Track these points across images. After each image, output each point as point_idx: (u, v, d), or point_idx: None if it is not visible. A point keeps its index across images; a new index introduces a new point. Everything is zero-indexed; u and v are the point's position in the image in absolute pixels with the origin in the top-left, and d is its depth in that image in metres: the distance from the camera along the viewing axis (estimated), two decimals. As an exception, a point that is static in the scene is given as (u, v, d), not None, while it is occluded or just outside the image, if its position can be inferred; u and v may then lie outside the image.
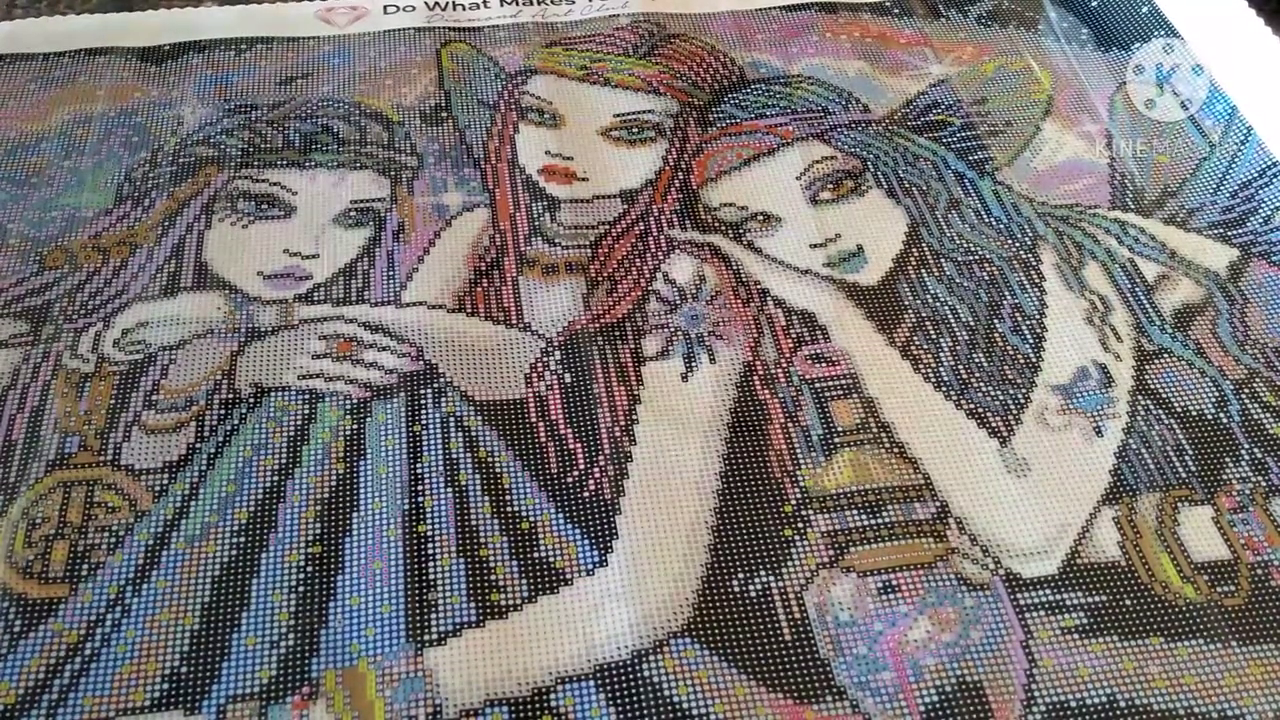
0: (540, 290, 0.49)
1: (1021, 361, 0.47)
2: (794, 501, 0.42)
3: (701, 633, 0.38)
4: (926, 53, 0.62)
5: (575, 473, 0.43)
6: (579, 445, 0.43)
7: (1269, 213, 0.53)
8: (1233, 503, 0.42)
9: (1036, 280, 0.50)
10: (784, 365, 0.46)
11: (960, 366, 0.47)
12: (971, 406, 0.45)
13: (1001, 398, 0.45)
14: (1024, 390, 0.46)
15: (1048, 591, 0.40)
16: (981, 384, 0.46)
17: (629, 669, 0.37)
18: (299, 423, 0.44)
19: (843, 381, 0.46)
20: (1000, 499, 0.42)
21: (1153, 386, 0.46)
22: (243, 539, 0.40)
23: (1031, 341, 0.48)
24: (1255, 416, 0.45)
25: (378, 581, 0.39)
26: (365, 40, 0.61)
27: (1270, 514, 0.42)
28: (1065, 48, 0.62)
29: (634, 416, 0.44)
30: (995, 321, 0.48)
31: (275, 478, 0.42)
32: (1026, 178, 0.55)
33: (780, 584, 0.40)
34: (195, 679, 0.37)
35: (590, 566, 0.40)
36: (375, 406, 0.44)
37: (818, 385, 0.46)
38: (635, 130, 0.56)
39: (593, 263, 0.50)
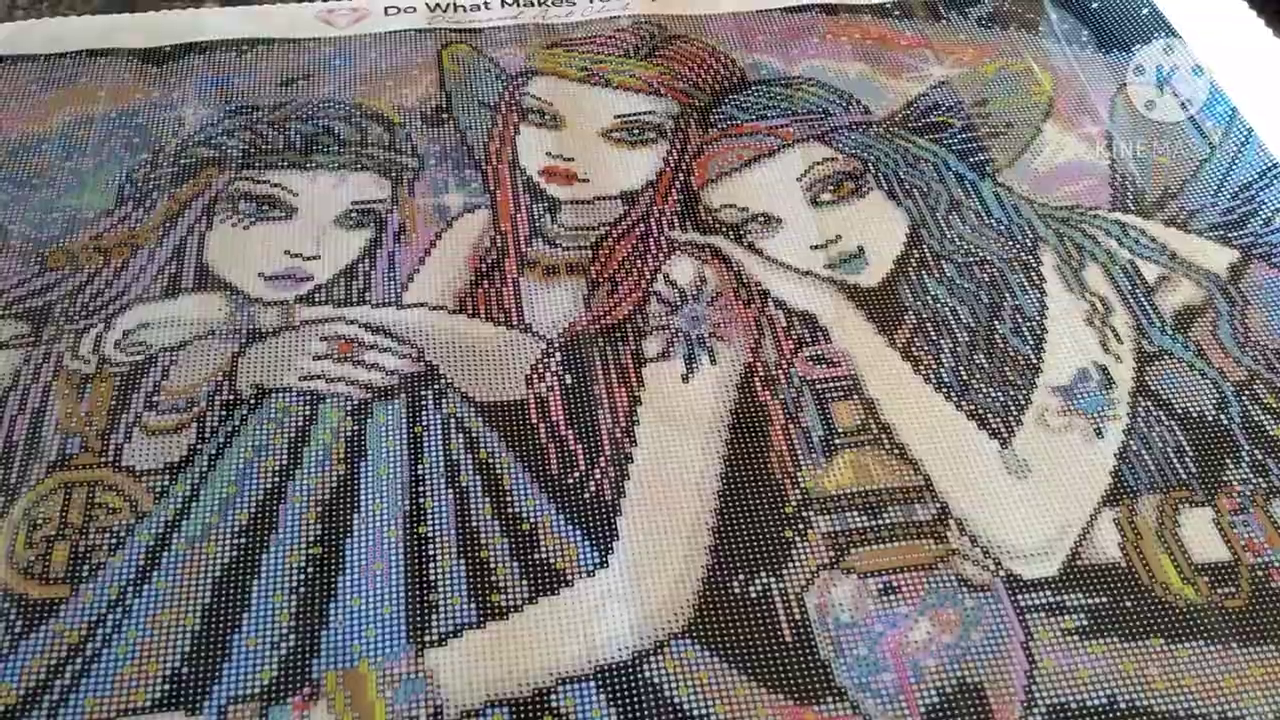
0: (541, 291, 0.49)
1: (1022, 363, 0.47)
2: (795, 502, 0.42)
3: (702, 634, 0.38)
4: (927, 54, 0.62)
5: (576, 474, 0.43)
6: (580, 446, 0.43)
7: (1269, 214, 0.53)
8: (1233, 504, 0.42)
9: (1037, 282, 0.50)
10: (785, 366, 0.46)
11: (961, 368, 0.47)
12: (972, 408, 0.45)
13: (1002, 399, 0.46)
14: (1024, 392, 0.46)
15: (1048, 593, 0.40)
16: (982, 385, 0.46)
17: (630, 670, 0.38)
18: (300, 424, 0.44)
19: (843, 383, 0.46)
20: (1001, 500, 0.42)
21: (1153, 388, 0.46)
22: (243, 540, 0.40)
23: (1032, 343, 0.48)
24: (1256, 418, 0.45)
25: (378, 582, 0.39)
26: (366, 42, 0.61)
27: (1271, 515, 0.42)
28: (1066, 49, 0.62)
29: (635, 417, 0.44)
30: (996, 323, 0.48)
31: (276, 479, 0.42)
32: (1027, 179, 0.55)
33: (781, 585, 0.40)
34: (196, 680, 0.37)
35: (591, 567, 0.40)
36: (376, 408, 0.44)
37: (818, 386, 0.46)
38: (636, 131, 0.56)
39: (594, 264, 0.50)
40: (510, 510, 0.41)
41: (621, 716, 0.36)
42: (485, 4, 0.64)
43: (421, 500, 0.41)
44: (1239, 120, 0.58)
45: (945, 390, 0.46)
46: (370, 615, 0.38)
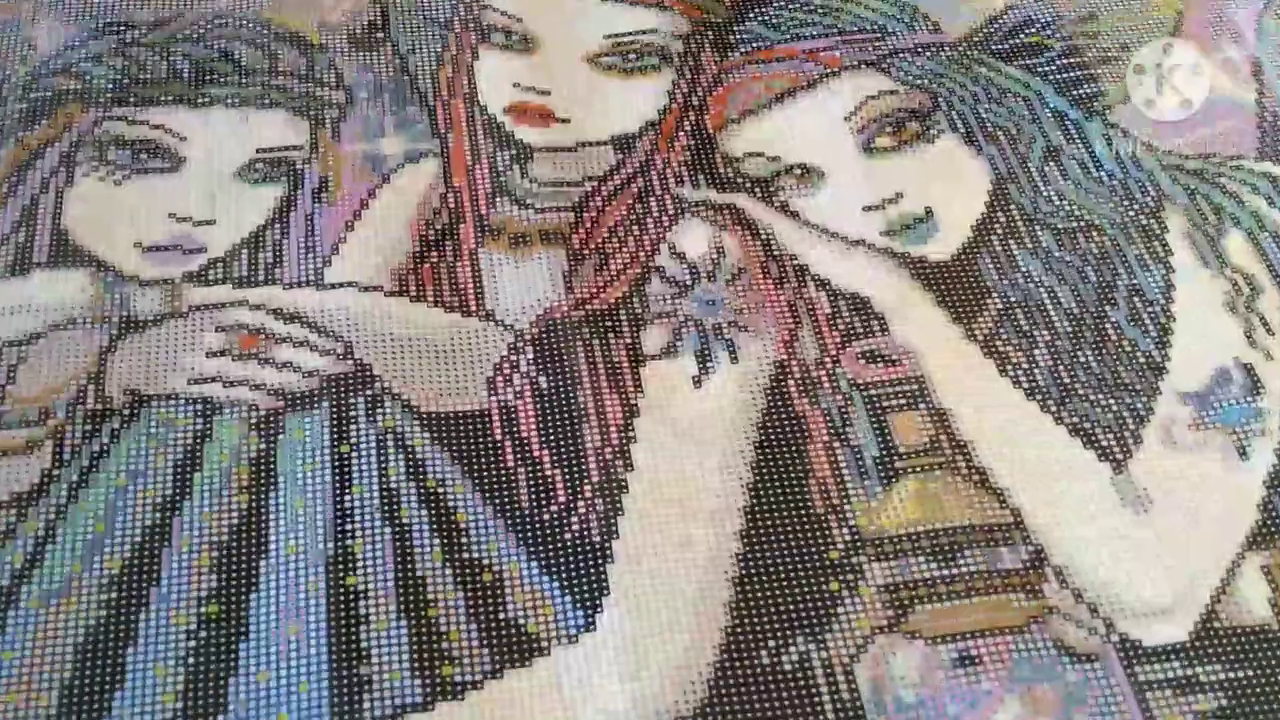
0: (507, 267, 0.49)
1: (1141, 361, 0.47)
2: (842, 545, 0.42)
3: (720, 718, 0.38)
4: (1016, -45, 0.62)
5: (554, 507, 0.43)
6: (558, 472, 0.44)
7: None
8: None
9: (1161, 254, 0.50)
10: (828, 366, 0.46)
11: (1060, 368, 0.47)
12: (1075, 421, 0.45)
13: (1115, 409, 0.46)
14: (1145, 399, 0.46)
15: (1176, 664, 0.40)
16: (1088, 391, 0.46)
17: (624, 766, 0.38)
18: (190, 441, 0.44)
19: (906, 387, 0.46)
20: (1113, 542, 0.42)
21: (1314, 394, 0.46)
22: (115, 595, 0.40)
23: (1154, 335, 0.48)
24: None
25: (293, 651, 0.39)
26: (276, -62, 0.61)
27: None
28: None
29: (631, 434, 0.45)
30: (1107, 308, 0.48)
31: (158, 514, 0.42)
32: (1148, 119, 0.55)
33: (824, 653, 0.40)
34: (53, 779, 0.37)
35: (573, 631, 0.40)
36: (290, 420, 0.44)
37: (873, 392, 0.46)
38: (633, 56, 0.56)
39: (576, 231, 0.50)
40: (466, 555, 0.41)
41: (614, 827, 0.37)
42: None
43: (350, 542, 0.41)
44: None
45: (1040, 397, 0.46)
46: (283, 694, 0.38)
